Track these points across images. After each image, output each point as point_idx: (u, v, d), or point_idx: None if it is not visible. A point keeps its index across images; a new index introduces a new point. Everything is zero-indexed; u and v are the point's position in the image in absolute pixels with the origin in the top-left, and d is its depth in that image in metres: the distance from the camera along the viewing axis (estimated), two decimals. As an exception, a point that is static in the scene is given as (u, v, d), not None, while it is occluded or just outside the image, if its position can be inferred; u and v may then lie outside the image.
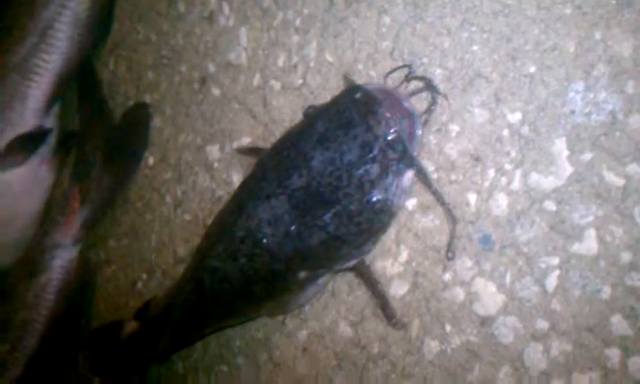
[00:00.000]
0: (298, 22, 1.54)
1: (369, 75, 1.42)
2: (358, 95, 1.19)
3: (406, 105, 1.20)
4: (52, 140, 2.10)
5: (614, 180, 1.11)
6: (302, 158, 1.21)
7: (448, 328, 1.28)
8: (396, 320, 1.33)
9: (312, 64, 1.51)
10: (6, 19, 2.04)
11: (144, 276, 1.94)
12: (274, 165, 1.26)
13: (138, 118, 1.93)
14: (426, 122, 1.28)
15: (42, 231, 2.04)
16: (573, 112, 1.14)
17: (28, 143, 2.03)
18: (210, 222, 1.59)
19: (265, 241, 1.26)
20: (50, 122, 2.08)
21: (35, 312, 2.02)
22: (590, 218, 1.12)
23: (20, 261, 2.06)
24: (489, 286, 1.24)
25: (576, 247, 1.14)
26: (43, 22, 1.98)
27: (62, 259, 2.00)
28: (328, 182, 1.18)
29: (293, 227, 1.23)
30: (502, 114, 1.22)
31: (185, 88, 1.81)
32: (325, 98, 1.45)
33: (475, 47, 1.26)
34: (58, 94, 2.05)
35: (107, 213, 2.04)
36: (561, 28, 1.15)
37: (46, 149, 2.09)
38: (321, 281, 1.37)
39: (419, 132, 1.20)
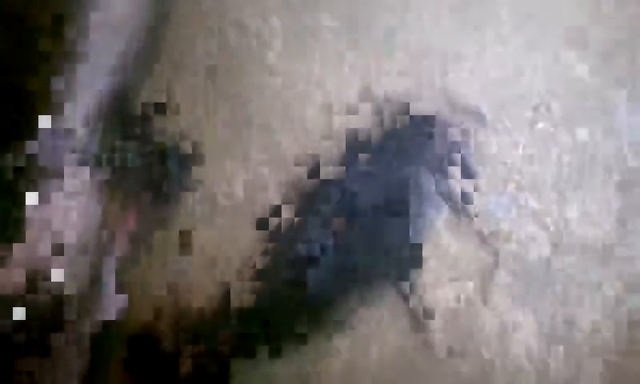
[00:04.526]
0: (347, 55, 1.54)
1: (416, 108, 1.41)
2: (404, 127, 1.19)
3: (456, 138, 1.19)
4: (100, 175, 2.11)
5: None
6: (348, 194, 1.21)
7: (490, 354, 1.26)
8: (438, 349, 1.31)
9: (359, 95, 1.51)
10: (53, 58, 2.08)
11: (188, 309, 1.93)
12: (319, 199, 1.27)
13: (182, 155, 1.94)
14: (475, 153, 1.27)
15: (91, 266, 2.05)
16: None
17: (77, 178, 2.05)
18: (256, 255, 1.58)
19: (309, 275, 1.26)
20: (98, 158, 2.10)
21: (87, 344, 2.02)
22: None
23: (74, 296, 2.07)
24: (529, 320, 1.21)
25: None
26: (90, 60, 2.01)
27: (109, 292, 2.00)
28: (373, 213, 1.17)
29: (338, 262, 1.22)
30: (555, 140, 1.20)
31: (232, 125, 1.82)
32: (371, 127, 1.44)
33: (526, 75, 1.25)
34: (106, 130, 2.07)
35: (152, 249, 2.04)
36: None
37: (94, 184, 2.10)
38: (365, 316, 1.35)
39: (471, 165, 1.20)
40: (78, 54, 2.01)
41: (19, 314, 1.98)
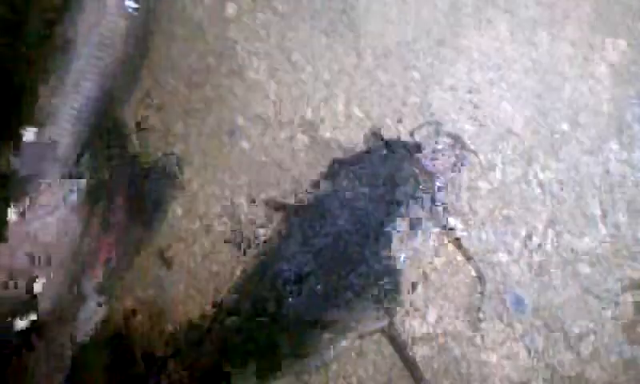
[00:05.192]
0: (326, 76, 1.53)
1: (397, 130, 1.40)
2: (384, 152, 1.18)
3: (434, 162, 1.17)
4: (82, 189, 2.09)
5: (651, 243, 1.07)
6: (328, 216, 1.19)
7: (479, 393, 1.24)
8: (424, 383, 1.29)
9: (340, 118, 1.50)
10: (40, 69, 2.06)
11: (170, 326, 1.92)
12: (300, 223, 1.24)
13: (166, 169, 1.93)
14: (455, 179, 1.25)
15: (70, 281, 2.04)
16: (607, 171, 1.11)
17: (58, 191, 2.03)
18: (237, 272, 1.57)
19: (290, 300, 1.24)
20: (80, 172, 2.08)
21: (61, 362, 2.01)
22: (626, 282, 1.08)
23: (49, 309, 2.05)
24: (521, 350, 1.20)
25: (611, 312, 1.10)
26: (76, 73, 1.99)
27: (88, 308, 1.99)
28: (355, 240, 1.16)
29: (319, 287, 1.20)
30: (533, 172, 1.19)
31: (213, 140, 1.80)
32: (353, 151, 1.43)
33: (505, 103, 1.24)
34: (88, 144, 2.05)
35: (134, 263, 2.03)
36: (594, 85, 1.13)
37: (75, 198, 2.08)
38: (347, 341, 1.33)
39: (448, 189, 1.18)
40: (64, 66, 1.99)
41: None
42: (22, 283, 2.08)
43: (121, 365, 2.07)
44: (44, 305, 2.08)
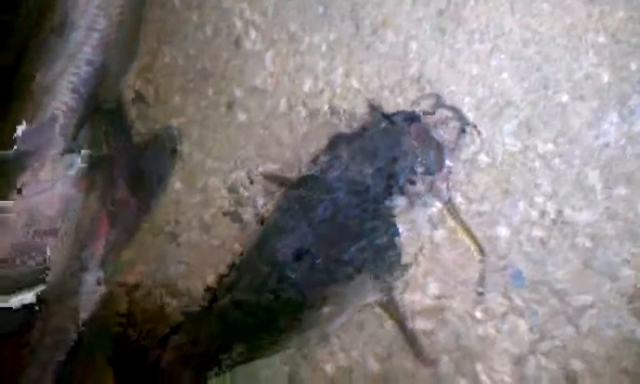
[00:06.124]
0: (324, 48, 1.51)
1: (396, 103, 1.38)
2: (383, 125, 1.17)
3: (433, 135, 1.17)
4: (81, 163, 2.09)
5: (651, 216, 1.06)
6: (327, 190, 1.18)
7: (479, 366, 1.24)
8: (424, 357, 1.29)
9: (338, 90, 1.48)
10: (36, 42, 2.04)
11: (172, 301, 1.92)
12: (299, 196, 1.24)
13: (165, 143, 1.92)
14: (454, 152, 1.23)
15: (70, 255, 2.04)
16: (607, 144, 1.10)
17: (58, 166, 2.02)
18: (237, 246, 1.57)
19: (290, 275, 1.23)
20: (79, 146, 2.07)
21: (64, 336, 2.01)
22: (625, 256, 1.08)
23: (50, 285, 2.06)
24: (520, 323, 1.20)
25: (610, 286, 1.09)
26: (72, 45, 1.97)
27: (89, 284, 1.99)
28: (354, 214, 1.15)
29: (318, 261, 1.20)
30: (533, 145, 1.18)
31: (212, 113, 1.79)
32: (351, 124, 1.42)
33: (505, 75, 1.22)
34: (86, 118, 2.04)
35: (135, 237, 2.03)
36: (594, 57, 1.11)
37: (74, 172, 2.08)
38: (347, 315, 1.34)
39: (447, 162, 1.17)
40: (60, 41, 1.97)
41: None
42: (23, 258, 2.09)
43: (122, 342, 2.08)
44: (48, 279, 2.09)
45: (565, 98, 1.15)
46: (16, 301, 2.08)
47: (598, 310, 1.11)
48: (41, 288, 2.08)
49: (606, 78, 1.10)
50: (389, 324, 1.37)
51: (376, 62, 1.41)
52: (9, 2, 2.06)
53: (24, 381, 1.99)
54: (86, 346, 2.00)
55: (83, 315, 2.00)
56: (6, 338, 2.02)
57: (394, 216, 1.14)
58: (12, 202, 2.03)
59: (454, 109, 1.24)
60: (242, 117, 1.70)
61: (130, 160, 2.01)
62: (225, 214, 1.75)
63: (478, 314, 1.25)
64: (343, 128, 1.45)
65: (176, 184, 1.91)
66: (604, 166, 1.10)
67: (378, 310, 1.38)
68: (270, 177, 1.62)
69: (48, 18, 2.01)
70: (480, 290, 1.24)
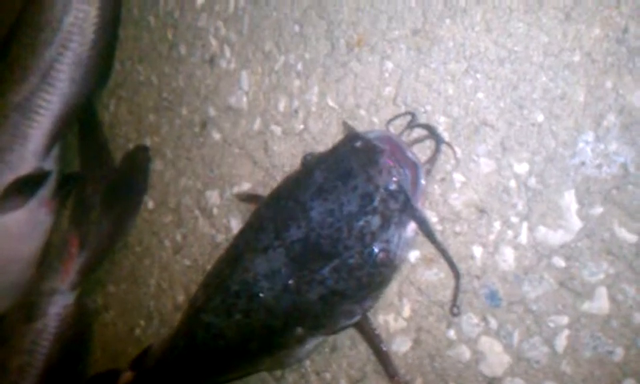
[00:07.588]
0: (299, 67, 1.50)
1: (371, 122, 1.37)
2: (358, 143, 1.15)
3: (409, 154, 1.15)
4: (52, 182, 2.06)
5: (626, 236, 1.05)
6: (301, 209, 1.16)
7: (453, 388, 1.22)
8: (398, 378, 1.27)
9: (313, 109, 1.47)
10: (8, 58, 2.02)
11: (142, 322, 1.89)
12: (272, 215, 1.22)
13: (138, 161, 1.89)
14: (429, 171, 1.22)
15: (40, 276, 2.00)
16: (583, 163, 1.09)
17: (27, 185, 1.99)
18: (209, 267, 1.54)
19: (261, 295, 1.21)
20: (50, 164, 2.04)
21: (32, 358, 1.97)
22: (601, 276, 1.07)
23: (17, 306, 2.02)
24: (495, 344, 1.18)
25: (586, 306, 1.08)
26: (45, 63, 1.95)
27: (58, 305, 1.95)
28: (327, 234, 1.13)
29: (291, 281, 1.18)
30: (508, 164, 1.17)
31: (185, 131, 1.77)
32: (326, 143, 1.41)
33: (480, 94, 1.21)
34: (59, 136, 2.01)
35: (106, 257, 2.00)
36: (569, 76, 1.11)
37: (45, 191, 2.05)
38: (320, 337, 1.31)
39: (422, 182, 1.15)
40: (33, 55, 1.95)
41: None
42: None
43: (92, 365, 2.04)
44: (15, 300, 2.05)
45: (540, 117, 1.14)
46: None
47: (574, 330, 1.10)
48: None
49: (581, 97, 1.09)
50: (362, 345, 1.35)
51: (351, 81, 1.40)
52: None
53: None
54: (56, 367, 1.96)
55: (51, 337, 1.96)
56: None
57: (368, 235, 1.12)
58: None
59: (429, 128, 1.23)
60: (216, 136, 1.68)
61: (103, 179, 1.98)
62: (197, 234, 1.73)
63: (453, 335, 1.23)
64: (318, 147, 1.44)
65: (149, 203, 1.89)
66: (580, 185, 1.09)
67: (351, 331, 1.36)
68: (242, 196, 1.60)
69: (21, 33, 1.98)
70: (455, 310, 1.22)
